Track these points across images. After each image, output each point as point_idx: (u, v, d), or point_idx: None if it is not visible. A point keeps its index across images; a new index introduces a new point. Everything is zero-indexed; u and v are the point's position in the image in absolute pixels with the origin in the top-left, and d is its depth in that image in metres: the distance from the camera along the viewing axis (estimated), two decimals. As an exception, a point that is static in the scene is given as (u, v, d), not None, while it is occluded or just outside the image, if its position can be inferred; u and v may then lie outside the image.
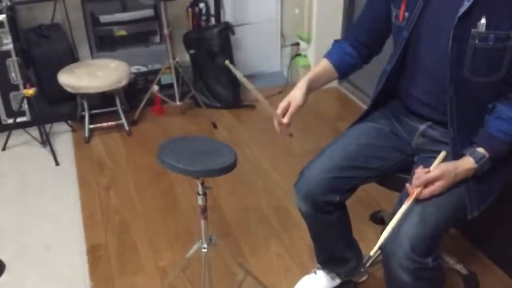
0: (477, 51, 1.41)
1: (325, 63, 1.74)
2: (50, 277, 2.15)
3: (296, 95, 1.62)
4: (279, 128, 1.61)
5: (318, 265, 2.01)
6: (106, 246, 2.31)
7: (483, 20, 1.38)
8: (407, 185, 1.47)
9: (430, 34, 1.51)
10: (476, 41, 1.40)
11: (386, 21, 1.63)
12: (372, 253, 1.36)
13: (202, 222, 1.77)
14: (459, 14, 1.39)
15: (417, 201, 1.45)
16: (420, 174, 1.45)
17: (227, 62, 1.60)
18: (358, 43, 1.72)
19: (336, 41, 1.79)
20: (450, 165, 1.46)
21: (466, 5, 1.38)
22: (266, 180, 2.77)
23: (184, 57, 3.65)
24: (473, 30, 1.39)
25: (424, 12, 1.50)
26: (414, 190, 1.45)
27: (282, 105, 1.61)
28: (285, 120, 1.59)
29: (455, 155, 1.49)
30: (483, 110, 1.51)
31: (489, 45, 1.40)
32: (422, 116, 1.65)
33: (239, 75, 1.55)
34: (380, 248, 1.45)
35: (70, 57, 3.33)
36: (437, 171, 1.44)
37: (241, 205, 2.58)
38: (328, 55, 1.75)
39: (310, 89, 1.66)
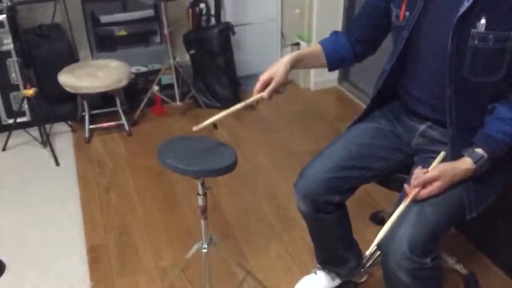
0: (476, 51, 1.41)
1: (317, 48, 1.73)
2: (50, 277, 2.15)
3: (279, 71, 1.59)
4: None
5: (318, 265, 2.01)
6: (106, 246, 2.31)
7: (483, 21, 1.38)
8: (405, 185, 1.47)
9: (430, 33, 1.51)
10: (476, 42, 1.40)
11: (384, 19, 1.63)
12: (368, 252, 1.36)
13: (202, 222, 1.77)
14: (459, 14, 1.39)
15: (415, 201, 1.45)
16: (418, 174, 1.45)
17: (194, 128, 1.55)
18: (354, 39, 1.72)
19: (334, 32, 1.78)
20: (449, 166, 1.46)
21: (465, 5, 1.38)
22: (266, 180, 2.77)
23: (184, 57, 3.65)
24: (472, 30, 1.40)
25: (424, 12, 1.50)
26: (411, 190, 1.45)
27: (263, 78, 1.59)
28: (265, 95, 1.57)
29: (454, 155, 1.49)
30: (482, 111, 1.51)
31: (488, 45, 1.40)
32: (422, 116, 1.65)
33: (211, 120, 1.54)
34: (379, 248, 1.45)
35: (70, 57, 3.33)
36: (435, 172, 1.44)
37: (241, 205, 2.58)
38: (322, 42, 1.74)
39: (294, 67, 1.64)
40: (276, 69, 1.60)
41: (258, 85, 1.59)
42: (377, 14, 1.65)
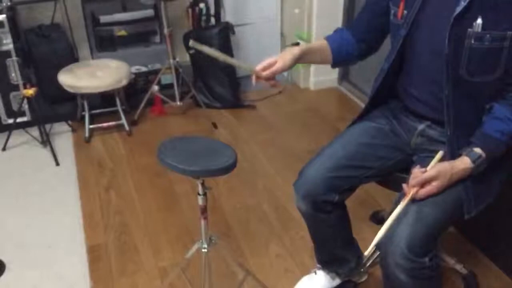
0: (473, 51, 1.42)
1: (323, 44, 1.72)
2: (50, 277, 2.15)
3: (286, 59, 1.58)
4: (255, 81, 1.58)
5: (318, 265, 2.01)
6: (106, 246, 2.31)
7: (479, 21, 1.38)
8: (404, 185, 1.48)
9: (427, 32, 1.51)
10: (472, 41, 1.41)
11: (384, 17, 1.63)
12: (366, 252, 1.37)
13: (202, 222, 1.77)
14: (455, 13, 1.39)
15: (413, 200, 1.45)
16: (416, 174, 1.45)
17: (191, 42, 1.56)
18: (357, 36, 1.72)
19: (339, 29, 1.78)
20: (447, 165, 1.46)
21: (462, 5, 1.38)
22: (266, 180, 2.77)
23: (184, 57, 3.65)
24: (469, 30, 1.40)
25: (422, 10, 1.50)
26: (410, 190, 1.45)
27: (269, 60, 1.57)
28: (264, 74, 1.55)
29: (452, 154, 1.50)
30: (480, 110, 1.51)
31: (485, 45, 1.40)
32: (420, 115, 1.65)
33: (207, 49, 1.55)
34: (378, 247, 1.46)
35: (70, 57, 3.33)
36: (434, 171, 1.44)
37: (241, 205, 2.58)
38: (328, 38, 1.73)
39: (300, 59, 1.63)
40: (283, 55, 1.59)
41: (259, 66, 1.56)
42: (378, 12, 1.65)
